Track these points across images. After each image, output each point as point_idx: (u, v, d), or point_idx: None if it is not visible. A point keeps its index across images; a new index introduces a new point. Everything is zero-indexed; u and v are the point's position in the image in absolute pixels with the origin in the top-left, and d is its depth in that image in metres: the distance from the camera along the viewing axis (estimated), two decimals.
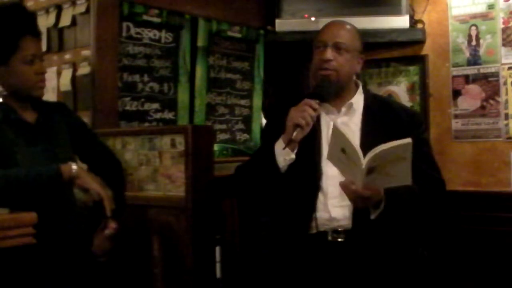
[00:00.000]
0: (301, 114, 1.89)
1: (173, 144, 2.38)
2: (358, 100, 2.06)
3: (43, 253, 1.88)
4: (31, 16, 2.06)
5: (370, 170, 1.77)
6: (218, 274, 2.44)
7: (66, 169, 1.88)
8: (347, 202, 1.95)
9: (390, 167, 1.78)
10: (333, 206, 1.96)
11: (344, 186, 1.83)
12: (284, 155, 1.92)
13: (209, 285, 2.36)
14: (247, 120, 3.63)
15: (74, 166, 1.89)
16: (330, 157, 1.89)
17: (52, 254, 1.94)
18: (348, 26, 2.06)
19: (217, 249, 2.44)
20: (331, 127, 2.00)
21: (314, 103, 1.92)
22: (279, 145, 1.95)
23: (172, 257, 2.35)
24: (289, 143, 1.89)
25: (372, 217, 1.88)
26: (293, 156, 1.93)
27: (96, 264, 2.14)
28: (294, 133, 1.88)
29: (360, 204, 1.86)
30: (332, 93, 2.00)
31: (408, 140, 1.76)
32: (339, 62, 1.99)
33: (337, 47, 1.99)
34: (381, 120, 2.04)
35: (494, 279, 3.07)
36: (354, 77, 2.11)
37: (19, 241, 1.63)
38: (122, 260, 2.50)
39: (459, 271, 3.16)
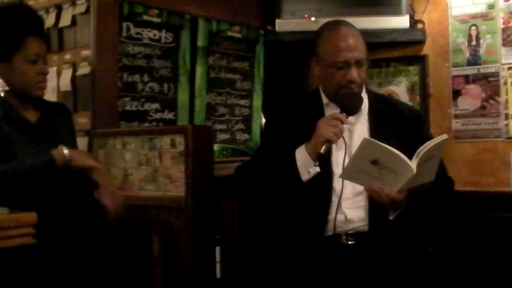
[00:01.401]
0: (333, 129, 1.86)
1: (173, 144, 2.38)
2: (363, 100, 2.06)
3: (43, 253, 1.87)
4: (38, 18, 2.08)
5: None
6: (218, 274, 2.44)
7: (58, 154, 1.88)
8: (361, 203, 1.95)
9: (422, 168, 1.77)
10: (348, 208, 1.95)
11: (374, 192, 1.81)
12: (308, 168, 1.89)
13: (209, 285, 2.36)
14: (247, 120, 3.63)
15: (66, 151, 1.90)
16: (347, 174, 1.84)
17: (52, 254, 1.94)
18: (356, 32, 2.01)
19: (217, 249, 2.44)
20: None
21: (344, 117, 1.90)
22: (301, 157, 1.90)
23: (172, 257, 2.35)
24: (319, 159, 1.86)
25: (391, 217, 1.88)
26: (318, 169, 1.89)
27: (96, 264, 2.14)
28: (323, 148, 1.85)
29: (386, 206, 1.85)
30: (360, 106, 2.00)
31: (445, 136, 1.78)
32: (362, 77, 1.99)
33: (359, 64, 1.97)
34: (387, 119, 2.04)
35: (494, 279, 3.07)
36: None
37: (19, 241, 1.63)
38: (122, 260, 2.50)
39: (459, 271, 3.16)
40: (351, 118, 2.00)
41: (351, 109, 1.95)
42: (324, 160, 1.88)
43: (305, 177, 1.90)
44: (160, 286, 2.38)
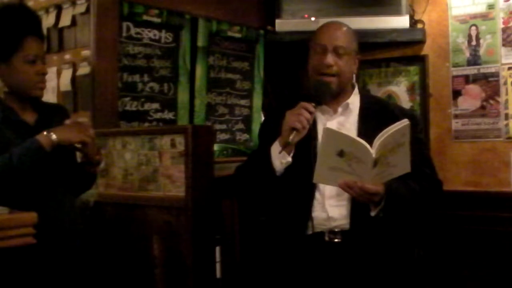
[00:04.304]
0: (297, 117, 1.88)
1: (173, 144, 2.38)
2: (354, 101, 2.07)
3: (43, 253, 1.87)
4: (37, 19, 2.08)
5: (374, 164, 1.77)
6: (218, 274, 2.44)
7: (45, 140, 1.87)
8: (344, 202, 1.96)
9: (391, 157, 1.78)
10: (330, 206, 1.96)
11: (347, 187, 1.82)
12: (280, 159, 1.92)
13: (209, 285, 2.36)
14: (247, 120, 3.63)
15: (53, 136, 1.88)
16: (319, 175, 1.84)
17: (52, 254, 1.94)
18: (344, 28, 2.06)
19: (217, 249, 2.44)
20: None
21: (310, 106, 1.92)
22: (275, 148, 1.94)
23: (172, 257, 2.35)
24: (285, 147, 1.89)
25: (372, 214, 1.89)
26: (289, 159, 1.92)
27: (95, 265, 2.14)
28: (291, 137, 1.87)
29: (365, 200, 1.86)
30: (329, 96, 2.01)
31: (406, 121, 1.79)
32: (340, 66, 2.00)
33: (337, 51, 1.99)
34: (378, 120, 2.04)
35: (494, 279, 3.07)
36: None
37: (19, 241, 1.63)
38: (122, 260, 2.50)
39: (459, 271, 3.15)
40: (340, 118, 2.02)
41: (318, 97, 1.97)
42: (291, 148, 1.90)
43: (278, 167, 1.92)
44: (160, 286, 2.38)
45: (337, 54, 1.99)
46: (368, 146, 1.75)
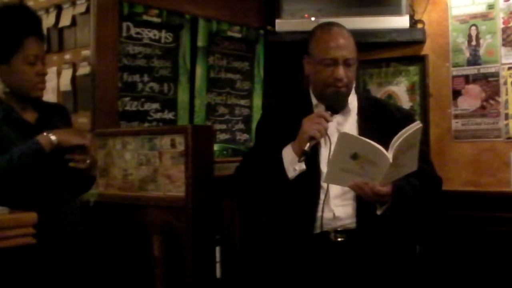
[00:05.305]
0: (316, 126, 1.89)
1: (173, 144, 2.38)
2: (352, 101, 2.09)
3: (43, 253, 1.87)
4: (37, 19, 2.08)
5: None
6: (218, 274, 2.44)
7: (44, 141, 1.87)
8: (349, 201, 1.97)
9: (402, 158, 1.79)
10: (336, 205, 1.97)
11: (358, 188, 1.83)
12: (294, 165, 1.92)
13: (209, 285, 2.37)
14: (247, 120, 3.63)
15: (53, 137, 1.88)
16: (330, 176, 1.85)
17: (52, 255, 1.94)
18: (347, 34, 2.05)
19: (217, 249, 2.44)
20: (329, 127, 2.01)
21: (328, 115, 1.93)
22: (287, 154, 1.94)
23: (172, 257, 2.35)
24: (302, 155, 1.89)
25: (379, 212, 1.90)
26: (304, 167, 1.92)
27: (96, 265, 2.14)
28: (308, 145, 1.88)
29: (372, 200, 1.88)
30: (345, 105, 2.02)
31: (418, 123, 1.81)
32: (349, 77, 2.02)
33: (347, 63, 2.00)
34: (376, 119, 2.06)
35: (494, 279, 3.07)
36: None
37: (19, 241, 1.63)
38: (122, 260, 2.50)
39: (459, 270, 3.16)
40: (339, 118, 2.03)
41: (336, 107, 1.98)
42: (308, 157, 1.90)
43: (291, 174, 1.93)
44: (161, 286, 2.38)
45: (347, 65, 2.01)
46: (385, 152, 1.76)
